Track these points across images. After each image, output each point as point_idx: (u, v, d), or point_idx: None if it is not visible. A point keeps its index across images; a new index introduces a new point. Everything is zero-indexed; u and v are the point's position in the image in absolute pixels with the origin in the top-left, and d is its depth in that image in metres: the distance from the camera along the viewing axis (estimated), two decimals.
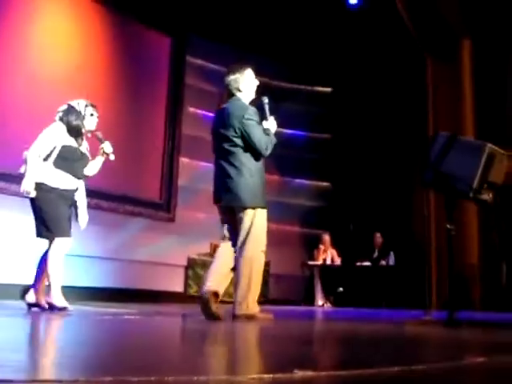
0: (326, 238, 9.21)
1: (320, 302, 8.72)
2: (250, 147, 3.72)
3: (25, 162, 4.02)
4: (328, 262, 9.10)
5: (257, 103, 3.87)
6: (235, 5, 8.68)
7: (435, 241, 7.76)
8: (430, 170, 3.66)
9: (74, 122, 4.15)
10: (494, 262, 7.25)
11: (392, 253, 8.87)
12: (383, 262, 8.90)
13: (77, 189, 4.16)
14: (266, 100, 3.87)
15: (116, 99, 7.61)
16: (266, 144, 3.73)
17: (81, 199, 4.19)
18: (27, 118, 6.48)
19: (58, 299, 3.93)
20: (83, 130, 4.21)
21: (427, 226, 7.84)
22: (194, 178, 8.29)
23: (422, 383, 1.42)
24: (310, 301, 8.79)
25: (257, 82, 3.93)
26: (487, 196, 3.61)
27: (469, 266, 7.41)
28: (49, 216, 3.99)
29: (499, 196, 3.84)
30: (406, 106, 9.24)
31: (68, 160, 4.09)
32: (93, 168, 4.33)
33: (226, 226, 3.80)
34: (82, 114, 4.20)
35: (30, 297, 4.11)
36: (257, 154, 3.74)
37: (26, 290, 4.22)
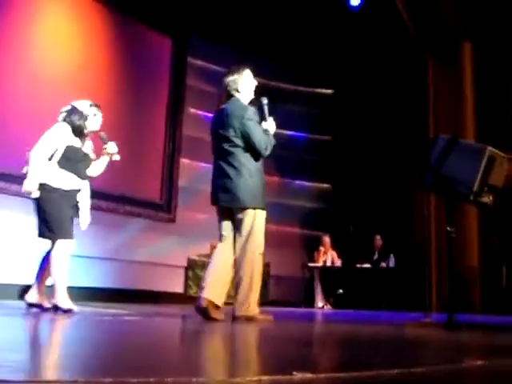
0: (327, 239, 9.21)
1: (320, 304, 8.72)
2: (250, 147, 3.72)
3: (28, 162, 4.01)
4: (328, 263, 9.10)
5: (256, 104, 3.87)
6: (236, 6, 8.69)
7: (435, 243, 7.77)
8: (430, 173, 3.66)
9: (77, 122, 4.14)
10: (494, 265, 7.25)
11: (392, 255, 8.86)
12: (383, 264, 8.90)
13: (80, 189, 4.16)
14: (265, 101, 3.86)
15: (117, 100, 7.62)
16: (265, 144, 3.73)
17: (84, 200, 4.18)
18: (28, 119, 6.49)
19: (64, 301, 3.92)
20: (86, 131, 4.21)
21: (427, 228, 7.85)
22: (195, 179, 8.29)
23: None
24: (310, 302, 8.79)
25: (255, 83, 3.93)
26: (487, 199, 3.61)
27: (469, 268, 7.42)
28: (52, 217, 3.98)
29: (499, 199, 3.84)
30: (407, 109, 9.24)
31: (71, 160, 4.08)
32: (97, 168, 4.31)
33: (223, 225, 3.79)
34: (86, 114, 4.19)
35: (30, 297, 4.11)
36: (256, 155, 3.74)
37: (27, 289, 4.21)
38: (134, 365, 1.52)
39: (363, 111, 9.92)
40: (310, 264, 9.12)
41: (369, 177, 9.70)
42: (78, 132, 4.14)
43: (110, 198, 7.36)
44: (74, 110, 4.17)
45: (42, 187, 3.98)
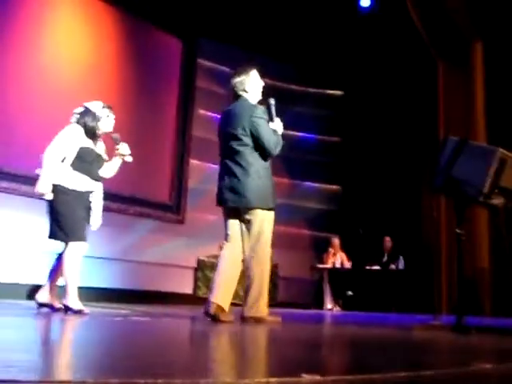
0: (336, 241, 9.20)
1: (329, 306, 8.70)
2: (259, 146, 3.70)
3: (41, 163, 4.02)
4: (337, 265, 9.08)
5: (263, 105, 3.86)
6: (246, 7, 8.70)
7: (446, 244, 7.73)
8: (440, 175, 3.64)
9: (90, 124, 4.15)
10: (506, 267, 7.19)
11: (401, 257, 8.83)
12: (393, 266, 8.86)
13: (93, 191, 4.17)
14: (272, 101, 3.84)
15: (127, 101, 7.65)
16: (274, 143, 3.72)
17: (96, 201, 4.19)
18: (39, 120, 6.53)
19: (75, 302, 3.95)
20: (99, 132, 4.23)
21: (437, 230, 7.80)
22: (204, 180, 8.30)
23: None
24: (319, 304, 8.77)
25: (262, 83, 3.93)
26: (498, 201, 3.59)
27: (479, 270, 7.37)
28: (65, 219, 3.98)
29: (511, 201, 3.81)
30: (417, 110, 9.20)
31: (85, 162, 4.09)
32: (109, 170, 4.32)
33: (229, 224, 3.76)
34: (98, 115, 4.21)
35: (42, 296, 4.14)
36: (265, 154, 3.72)
37: (36, 289, 4.24)
38: (142, 365, 1.53)
39: (373, 113, 9.89)
40: (319, 265, 9.11)
41: (378, 178, 9.67)
42: (91, 133, 4.15)
43: (120, 199, 7.39)
44: (86, 112, 4.19)
45: (56, 189, 3.98)
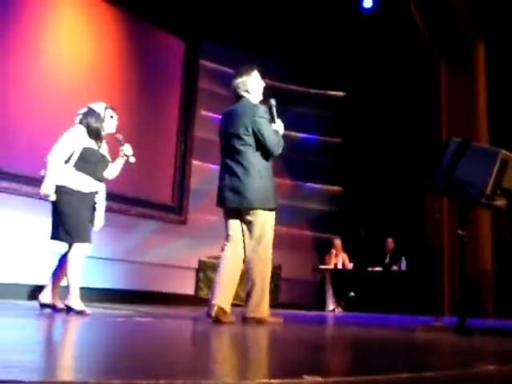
0: (338, 242, 9.19)
1: (331, 307, 8.69)
2: (261, 146, 3.69)
3: (46, 165, 4.02)
4: (339, 266, 9.07)
5: (264, 105, 3.87)
6: (248, 8, 8.71)
7: (448, 246, 7.71)
8: (442, 176, 3.63)
9: (94, 125, 4.15)
10: (508, 268, 7.18)
11: (404, 258, 8.81)
12: (395, 267, 8.85)
13: (97, 192, 4.18)
14: (273, 102, 3.84)
15: (129, 102, 7.66)
16: (276, 143, 3.71)
17: (100, 202, 4.19)
18: (41, 121, 6.55)
19: (77, 302, 3.95)
20: (103, 133, 4.23)
21: (440, 231, 7.79)
22: (206, 181, 8.30)
23: None
24: (321, 305, 8.76)
25: (263, 84, 3.93)
26: (500, 202, 3.58)
27: (482, 271, 7.35)
28: (70, 220, 3.98)
29: None
30: (419, 111, 9.19)
31: (89, 162, 4.09)
32: (113, 171, 4.33)
33: (230, 225, 3.75)
34: (102, 116, 4.21)
35: (44, 297, 4.14)
36: (267, 154, 3.71)
37: (36, 290, 4.24)
38: (144, 366, 1.53)
39: (375, 114, 9.88)
40: (321, 267, 9.10)
41: (380, 179, 9.66)
42: (95, 134, 4.16)
43: (122, 200, 7.39)
44: (90, 113, 4.19)
45: (61, 190, 3.98)
